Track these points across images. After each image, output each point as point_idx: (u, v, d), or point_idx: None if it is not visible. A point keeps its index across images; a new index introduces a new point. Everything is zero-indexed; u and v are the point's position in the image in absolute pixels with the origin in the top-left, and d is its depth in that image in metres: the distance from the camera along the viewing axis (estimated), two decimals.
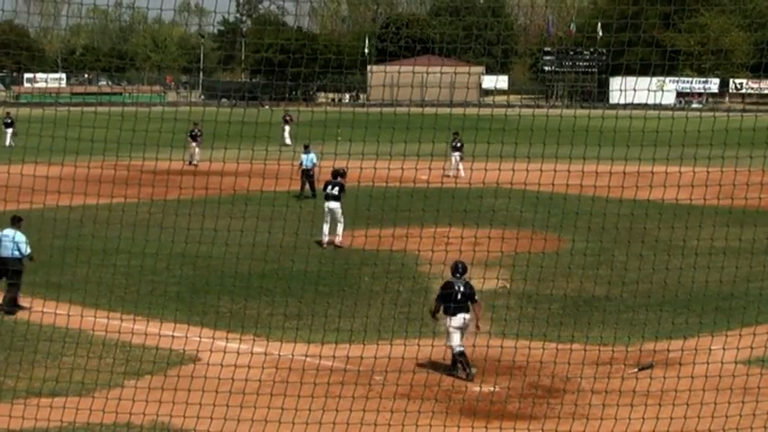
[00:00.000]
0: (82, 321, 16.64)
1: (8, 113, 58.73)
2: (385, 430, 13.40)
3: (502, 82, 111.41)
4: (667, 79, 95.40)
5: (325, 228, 27.63)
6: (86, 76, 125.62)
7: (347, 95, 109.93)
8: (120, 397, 14.31)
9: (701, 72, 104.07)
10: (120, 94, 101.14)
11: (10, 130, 56.68)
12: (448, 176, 40.66)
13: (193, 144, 46.95)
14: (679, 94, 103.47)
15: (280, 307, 20.38)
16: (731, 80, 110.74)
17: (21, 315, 19.74)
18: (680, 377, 14.79)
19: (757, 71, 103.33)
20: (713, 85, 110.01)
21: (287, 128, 57.56)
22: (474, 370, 16.40)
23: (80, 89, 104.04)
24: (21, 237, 20.71)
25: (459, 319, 16.60)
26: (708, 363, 15.36)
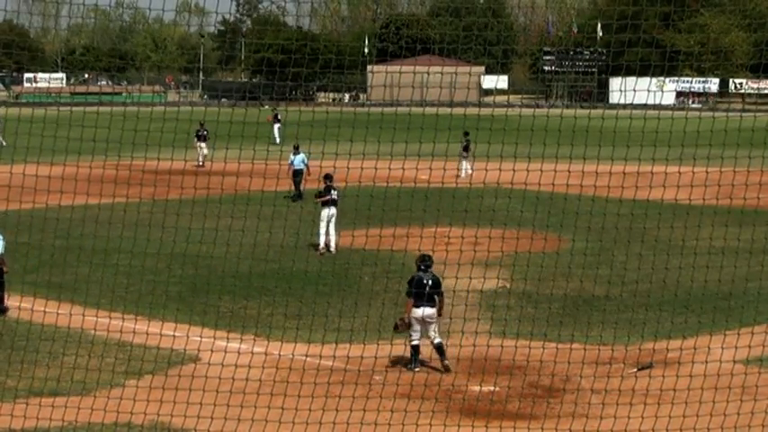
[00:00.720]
0: (83, 321, 16.67)
1: None
2: (385, 430, 13.43)
3: (502, 82, 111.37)
4: (667, 79, 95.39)
5: (323, 235, 27.10)
6: (86, 76, 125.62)
7: (347, 95, 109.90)
8: (120, 397, 14.33)
9: (701, 72, 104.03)
10: (121, 93, 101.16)
11: None
12: (460, 177, 40.51)
13: (201, 144, 46.78)
14: (679, 94, 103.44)
15: (280, 307, 20.42)
16: (731, 80, 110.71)
17: (22, 315, 19.76)
18: (679, 376, 14.83)
19: (757, 71, 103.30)
20: (713, 84, 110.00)
21: (276, 126, 58.13)
22: (447, 361, 16.64)
23: (81, 89, 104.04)
24: None
25: (421, 311, 16.79)
26: (706, 362, 15.39)
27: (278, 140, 55.93)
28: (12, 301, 20.13)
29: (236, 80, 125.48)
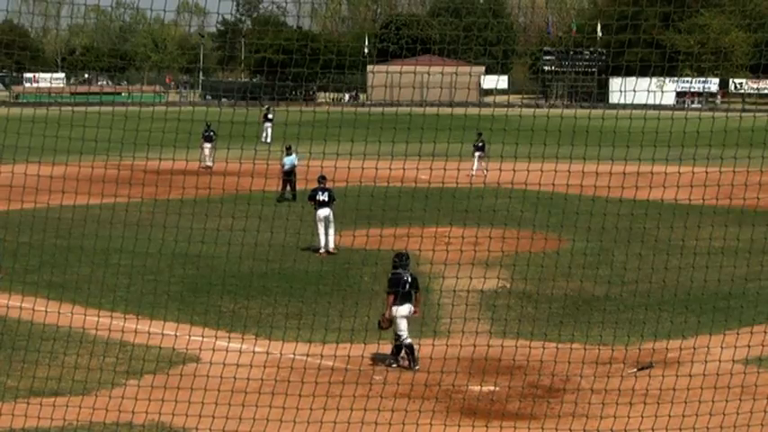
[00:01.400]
0: (84, 321, 16.69)
1: None
2: (385, 430, 13.45)
3: (502, 82, 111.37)
4: (667, 79, 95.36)
5: (322, 236, 27.02)
6: (86, 76, 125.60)
7: (347, 96, 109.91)
8: (121, 396, 14.35)
9: (701, 72, 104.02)
10: (121, 93, 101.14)
11: None
12: (471, 175, 40.43)
13: (207, 145, 45.88)
14: (679, 94, 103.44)
15: (281, 307, 20.44)
16: (731, 80, 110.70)
17: (22, 315, 19.78)
18: (678, 376, 14.85)
19: (756, 71, 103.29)
20: (713, 85, 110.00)
21: (267, 125, 58.01)
22: (417, 366, 16.72)
23: (83, 89, 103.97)
24: None
25: (405, 309, 16.96)
26: (706, 362, 15.41)
27: (268, 140, 55.46)
28: (12, 301, 20.15)
29: (236, 80, 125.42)
